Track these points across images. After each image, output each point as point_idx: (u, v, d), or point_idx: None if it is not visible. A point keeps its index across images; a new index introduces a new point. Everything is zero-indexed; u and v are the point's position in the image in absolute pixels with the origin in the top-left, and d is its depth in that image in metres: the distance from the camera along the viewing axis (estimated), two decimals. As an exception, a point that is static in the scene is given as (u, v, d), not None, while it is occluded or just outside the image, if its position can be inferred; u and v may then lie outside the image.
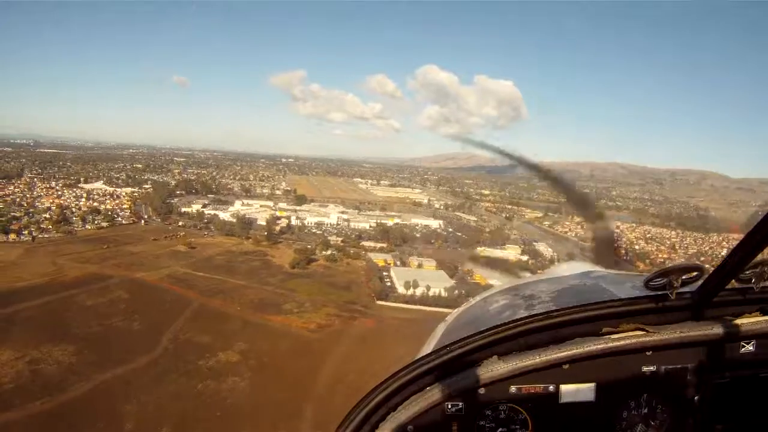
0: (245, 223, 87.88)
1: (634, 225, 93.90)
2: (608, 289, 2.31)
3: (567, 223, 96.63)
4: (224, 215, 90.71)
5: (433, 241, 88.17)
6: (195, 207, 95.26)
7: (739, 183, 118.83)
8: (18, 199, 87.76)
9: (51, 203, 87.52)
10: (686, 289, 1.87)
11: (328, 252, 78.06)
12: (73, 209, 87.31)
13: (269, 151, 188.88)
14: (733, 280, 1.82)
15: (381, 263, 76.44)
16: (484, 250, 79.71)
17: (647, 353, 1.90)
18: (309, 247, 79.66)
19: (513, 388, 1.89)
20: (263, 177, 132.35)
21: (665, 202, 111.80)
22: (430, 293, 63.95)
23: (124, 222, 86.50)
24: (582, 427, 1.93)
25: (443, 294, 62.15)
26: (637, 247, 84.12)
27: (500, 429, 1.94)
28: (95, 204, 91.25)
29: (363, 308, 62.49)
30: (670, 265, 1.83)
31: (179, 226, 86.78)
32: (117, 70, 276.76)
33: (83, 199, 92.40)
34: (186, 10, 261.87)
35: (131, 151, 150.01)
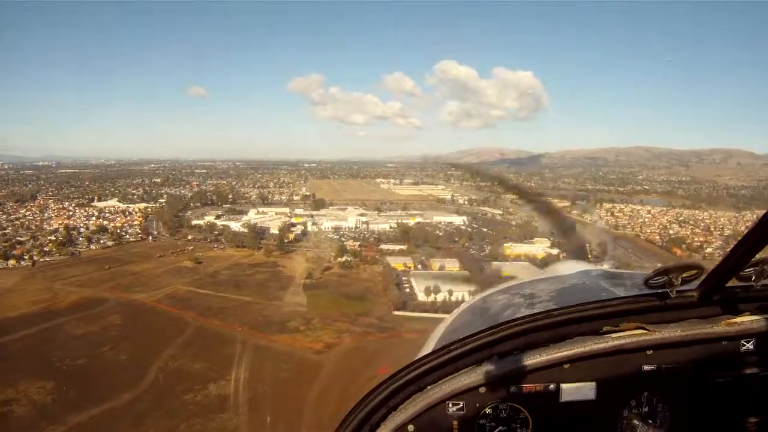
0: (257, 233, 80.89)
1: (665, 209, 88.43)
2: (608, 288, 2.28)
3: (596, 210, 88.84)
4: (235, 226, 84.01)
5: (456, 239, 79.36)
6: (208, 219, 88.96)
7: (767, 159, 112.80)
8: (27, 223, 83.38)
9: (59, 224, 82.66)
10: (686, 287, 1.85)
11: (343, 258, 70.20)
12: (82, 229, 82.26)
13: (291, 157, 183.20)
14: (734, 278, 1.81)
15: (400, 267, 68.10)
16: (511, 246, 70.70)
17: (648, 352, 1.87)
18: (322, 255, 71.98)
19: (513, 387, 1.85)
20: (283, 183, 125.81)
21: (693, 182, 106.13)
22: (453, 298, 55.25)
23: (131, 240, 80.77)
24: (583, 426, 1.90)
25: (467, 298, 53.18)
26: (671, 231, 79.02)
27: (501, 428, 1.90)
28: (106, 222, 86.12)
29: (378, 321, 54.32)
30: (670, 263, 1.79)
31: (188, 240, 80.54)
32: (134, 87, 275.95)
33: (93, 218, 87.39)
34: (200, 21, 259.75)
35: (152, 165, 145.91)
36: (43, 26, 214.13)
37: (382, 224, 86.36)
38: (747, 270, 1.78)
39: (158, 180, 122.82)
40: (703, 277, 1.81)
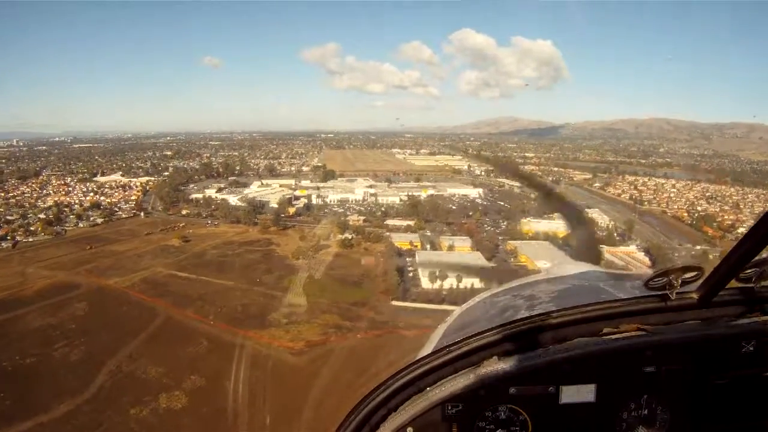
0: (256, 207, 71.69)
1: (690, 183, 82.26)
2: (608, 290, 2.23)
3: (619, 183, 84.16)
4: (234, 200, 74.90)
5: (470, 213, 68.45)
6: (209, 192, 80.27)
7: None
8: (23, 200, 76.21)
9: (54, 202, 75.18)
10: (686, 289, 1.80)
11: (343, 236, 60.32)
12: (75, 206, 74.58)
13: (310, 128, 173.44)
14: (734, 280, 1.78)
15: (405, 246, 57.96)
16: (529, 222, 59.65)
17: (647, 353, 1.81)
18: (321, 231, 62.27)
19: (513, 389, 1.79)
20: (296, 154, 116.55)
21: (715, 156, 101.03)
22: (462, 286, 44.99)
23: (123, 216, 72.63)
24: (582, 428, 1.84)
25: (477, 285, 42.49)
26: (699, 208, 71.41)
27: (500, 430, 1.83)
28: (103, 198, 78.51)
29: (373, 313, 44.48)
30: (670, 265, 1.75)
31: (182, 215, 71.95)
32: (149, 60, 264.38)
33: (92, 194, 79.87)
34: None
35: (168, 139, 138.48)
36: (60, 5, 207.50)
37: (392, 197, 76.20)
38: (747, 271, 1.73)
39: (169, 153, 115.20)
40: (703, 278, 1.75)
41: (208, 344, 39.76)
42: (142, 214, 72.71)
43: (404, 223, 65.13)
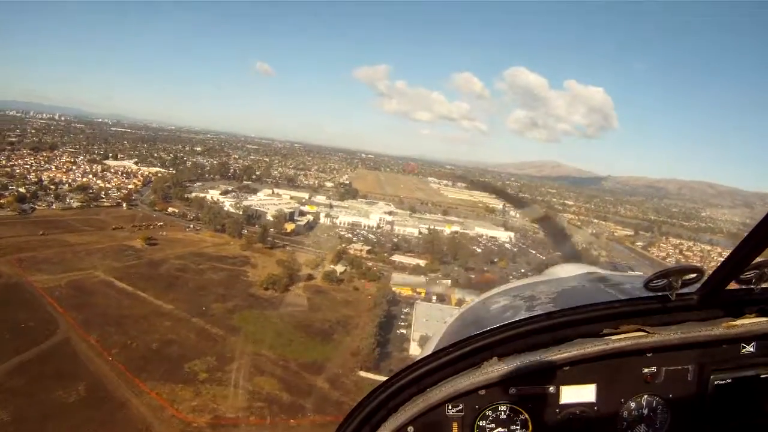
0: (250, 217, 59.95)
1: None
2: (608, 291, 2.12)
3: (663, 245, 75.70)
4: (228, 206, 63.43)
5: (495, 259, 53.81)
6: (213, 192, 69.86)
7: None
8: (19, 171, 68.04)
9: (42, 177, 66.68)
10: (687, 290, 1.71)
11: (335, 267, 47.15)
12: (64, 185, 65.57)
13: (352, 146, 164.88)
14: (734, 281, 1.70)
15: (406, 292, 44.07)
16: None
17: (648, 354, 1.76)
18: (311, 258, 49.31)
19: (513, 389, 1.73)
20: (327, 169, 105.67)
21: None
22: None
23: (106, 204, 62.62)
24: (582, 428, 1.77)
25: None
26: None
27: (501, 430, 1.76)
28: (98, 181, 69.54)
29: (328, 386, 30.66)
30: (670, 266, 1.69)
31: (167, 213, 61.20)
32: (205, 57, 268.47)
33: (90, 176, 71.05)
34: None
35: (208, 135, 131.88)
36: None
37: (410, 228, 62.59)
38: (747, 273, 1.64)
39: (199, 148, 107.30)
40: (704, 280, 1.67)
41: (84, 393, 27.32)
42: (124, 205, 62.43)
43: (414, 261, 51.38)
